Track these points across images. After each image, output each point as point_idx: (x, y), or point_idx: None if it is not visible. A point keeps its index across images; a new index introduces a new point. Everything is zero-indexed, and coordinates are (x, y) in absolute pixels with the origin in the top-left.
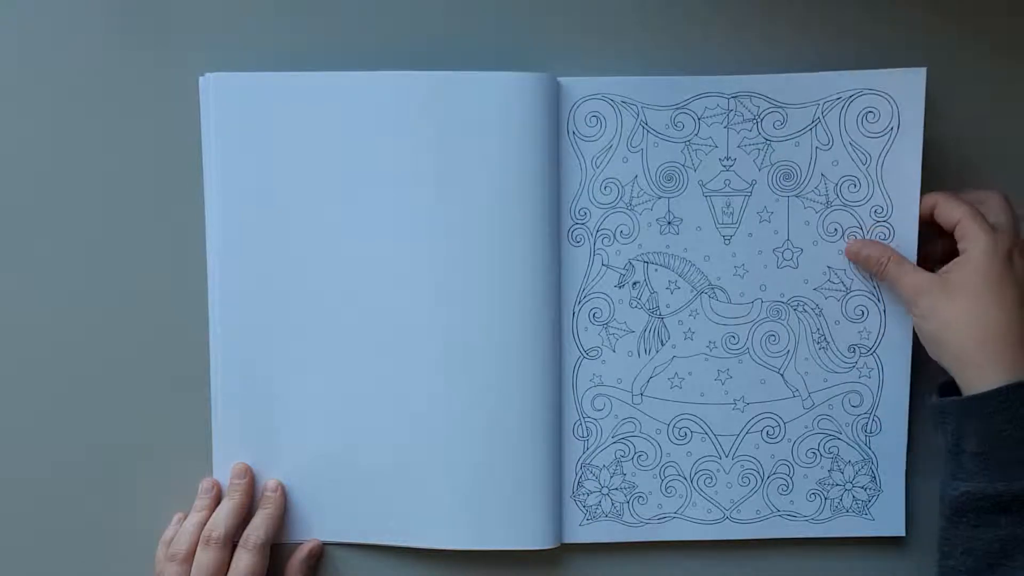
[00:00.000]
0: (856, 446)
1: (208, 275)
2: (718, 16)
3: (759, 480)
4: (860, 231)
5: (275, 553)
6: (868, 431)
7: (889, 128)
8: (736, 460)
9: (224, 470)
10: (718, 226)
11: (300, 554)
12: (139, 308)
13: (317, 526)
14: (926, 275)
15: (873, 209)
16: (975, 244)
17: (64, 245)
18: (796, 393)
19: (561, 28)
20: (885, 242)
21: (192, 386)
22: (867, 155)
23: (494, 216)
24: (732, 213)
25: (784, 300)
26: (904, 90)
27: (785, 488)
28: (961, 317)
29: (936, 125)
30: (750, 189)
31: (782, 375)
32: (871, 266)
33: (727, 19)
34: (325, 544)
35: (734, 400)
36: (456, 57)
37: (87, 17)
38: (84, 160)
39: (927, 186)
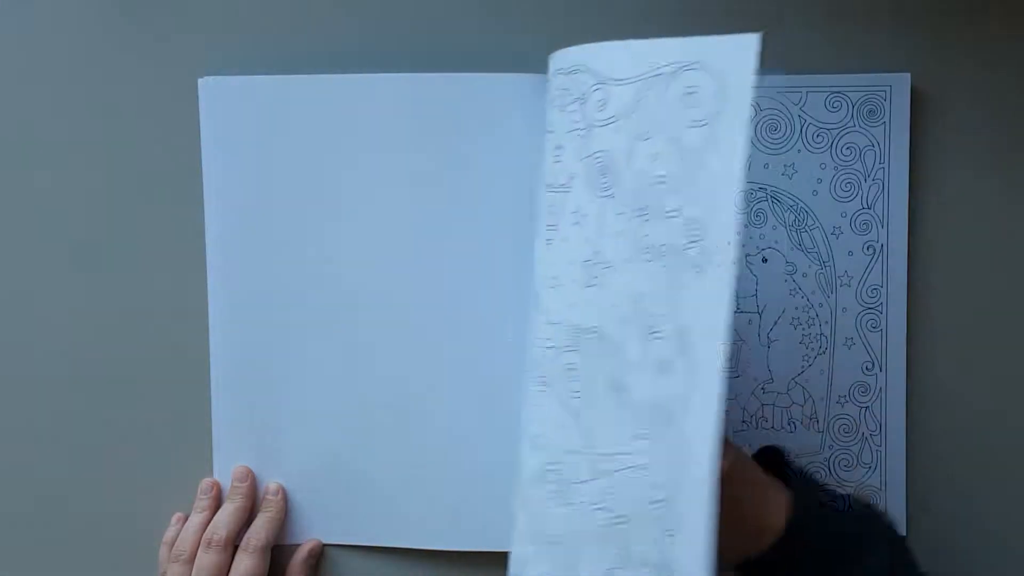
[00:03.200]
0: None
1: (208, 277)
2: (717, 17)
3: None
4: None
5: (275, 554)
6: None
7: (713, 113)
8: None
9: (224, 471)
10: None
11: (300, 554)
12: (139, 309)
13: (317, 527)
14: None
15: (687, 222)
16: None
17: (63, 247)
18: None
19: (561, 28)
20: (695, 242)
21: (192, 386)
22: (687, 151)
23: (493, 217)
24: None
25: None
26: (731, 65)
27: None
28: None
29: (924, 132)
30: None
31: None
32: None
33: (726, 20)
34: (326, 546)
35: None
36: (455, 58)
37: (86, 18)
38: (83, 162)
39: (920, 191)
